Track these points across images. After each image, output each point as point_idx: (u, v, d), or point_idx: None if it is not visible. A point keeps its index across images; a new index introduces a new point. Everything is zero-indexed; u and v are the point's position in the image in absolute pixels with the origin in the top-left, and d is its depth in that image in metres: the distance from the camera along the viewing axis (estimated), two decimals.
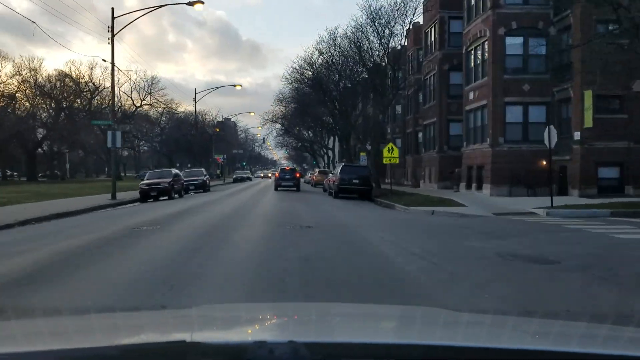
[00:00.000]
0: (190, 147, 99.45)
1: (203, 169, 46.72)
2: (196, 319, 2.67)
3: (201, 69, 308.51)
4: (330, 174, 39.74)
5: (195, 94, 57.90)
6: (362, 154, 44.03)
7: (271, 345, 1.68)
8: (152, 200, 32.37)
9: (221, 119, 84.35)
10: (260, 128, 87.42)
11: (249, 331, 2.39)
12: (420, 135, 47.95)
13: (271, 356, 1.65)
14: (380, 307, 4.17)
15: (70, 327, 2.40)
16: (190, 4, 29.49)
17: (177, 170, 36.89)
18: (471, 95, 32.51)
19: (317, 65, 45.57)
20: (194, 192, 41.26)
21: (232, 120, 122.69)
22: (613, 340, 2.21)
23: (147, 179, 34.08)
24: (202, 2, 29.40)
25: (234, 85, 57.08)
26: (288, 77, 48.79)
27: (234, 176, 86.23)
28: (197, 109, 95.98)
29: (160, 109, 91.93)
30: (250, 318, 2.70)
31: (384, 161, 32.22)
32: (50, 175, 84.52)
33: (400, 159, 56.24)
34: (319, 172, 56.75)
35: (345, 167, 33.14)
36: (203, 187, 43.12)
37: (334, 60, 43.77)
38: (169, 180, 33.25)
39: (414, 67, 47.92)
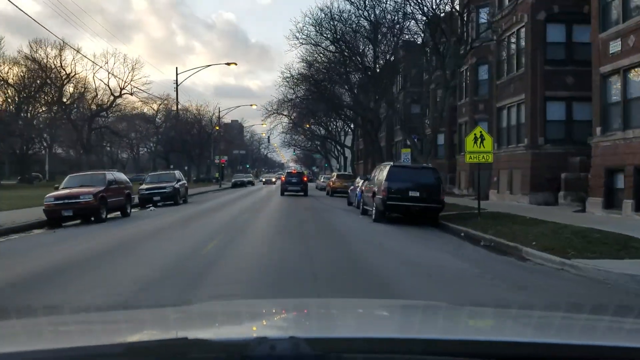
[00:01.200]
0: (185, 147, 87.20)
1: (177, 172, 33.09)
2: (197, 315, 2.63)
3: (210, 72, 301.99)
4: (362, 180, 26.07)
5: (177, 74, 44.40)
6: (405, 150, 30.30)
7: (272, 341, 1.65)
8: (78, 221, 19.29)
9: (218, 114, 70.73)
10: (264, 124, 74.03)
11: (250, 327, 2.35)
12: (483, 126, 34.20)
13: (272, 352, 1.61)
14: (381, 301, 4.19)
15: (71, 326, 2.39)
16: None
17: (116, 174, 23.19)
18: (615, 46, 18.77)
19: (343, 18, 31.63)
20: (155, 207, 27.76)
21: (238, 121, 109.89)
22: (613, 331, 2.21)
23: (63, 188, 20.58)
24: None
25: (227, 64, 43.37)
26: (298, 35, 34.56)
27: (233, 180, 72.62)
28: (196, 108, 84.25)
29: (155, 107, 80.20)
30: (251, 314, 2.64)
31: (467, 159, 18.52)
32: (22, 178, 73.35)
33: (446, 161, 42.65)
34: (338, 176, 43.00)
35: (396, 169, 19.43)
36: (173, 198, 29.62)
37: (366, 8, 29.83)
38: (96, 191, 19.72)
39: (471, 33, 34.26)
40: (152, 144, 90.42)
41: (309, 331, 2.11)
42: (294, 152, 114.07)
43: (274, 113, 55.55)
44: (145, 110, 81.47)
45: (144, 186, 29.87)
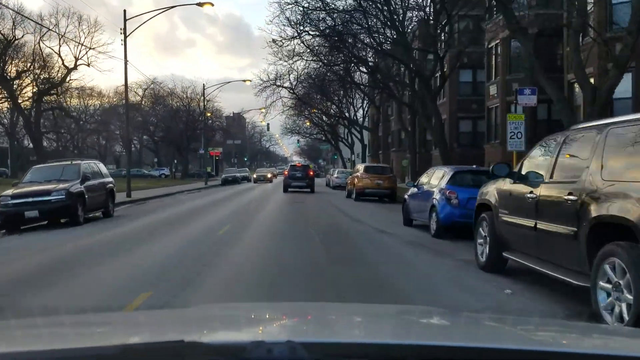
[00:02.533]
0: (169, 136, 73.43)
1: (86, 164, 17.93)
2: (194, 318, 2.59)
3: (213, 65, 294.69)
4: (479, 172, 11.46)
5: (125, 20, 29.70)
6: (515, 118, 15.81)
7: (269, 345, 1.63)
8: None
9: (203, 92, 56.09)
10: (262, 109, 59.69)
11: (247, 331, 2.31)
12: (627, 78, 19.59)
13: (269, 356, 1.60)
14: (378, 306, 4.09)
15: (68, 327, 2.34)
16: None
17: None
18: None
19: None
20: (31, 229, 13.32)
21: (240, 113, 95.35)
22: (611, 340, 2.19)
23: None
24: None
25: (199, 4, 28.88)
26: None
27: (223, 175, 58.55)
28: (182, 90, 70.73)
29: (140, 92, 68.35)
30: (248, 317, 2.61)
31: None
32: None
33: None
34: (367, 169, 28.37)
35: None
36: (67, 212, 15.21)
37: None
38: None
39: None
40: (137, 135, 77.03)
41: (306, 335, 2.07)
42: (298, 143, 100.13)
43: (272, 84, 41.09)
44: (130, 97, 68.30)
45: (9, 192, 15.45)
